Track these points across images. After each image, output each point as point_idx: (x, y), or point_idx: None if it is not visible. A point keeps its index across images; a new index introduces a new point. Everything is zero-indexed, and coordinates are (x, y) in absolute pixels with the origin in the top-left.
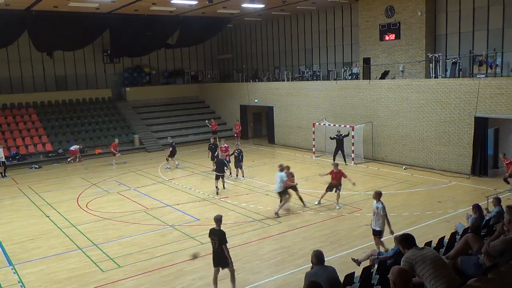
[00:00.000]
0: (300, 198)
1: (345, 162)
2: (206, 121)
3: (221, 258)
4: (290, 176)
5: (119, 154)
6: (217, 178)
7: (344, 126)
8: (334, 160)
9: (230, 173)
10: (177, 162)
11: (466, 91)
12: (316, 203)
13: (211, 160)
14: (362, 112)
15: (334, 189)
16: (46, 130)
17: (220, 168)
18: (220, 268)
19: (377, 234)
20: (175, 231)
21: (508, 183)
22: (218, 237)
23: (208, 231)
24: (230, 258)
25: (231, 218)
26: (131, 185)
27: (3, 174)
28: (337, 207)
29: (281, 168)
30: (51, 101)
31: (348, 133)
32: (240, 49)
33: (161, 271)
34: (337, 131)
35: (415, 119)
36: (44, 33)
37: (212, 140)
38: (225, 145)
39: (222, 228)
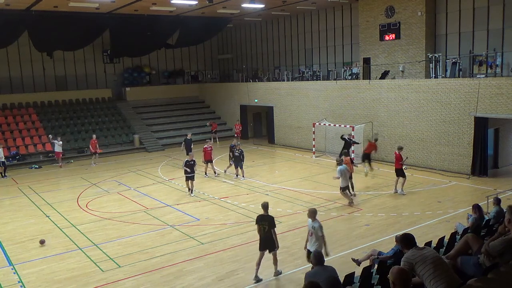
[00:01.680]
0: (352, 187)
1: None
2: (207, 124)
3: (269, 243)
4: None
5: (98, 152)
6: (187, 179)
7: (344, 126)
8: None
9: (215, 172)
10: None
11: (466, 91)
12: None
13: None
14: (362, 112)
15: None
16: (46, 130)
17: (191, 170)
18: (267, 251)
19: None
20: (175, 231)
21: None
22: (268, 222)
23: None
24: (277, 241)
25: (231, 218)
26: (131, 185)
27: (3, 174)
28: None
29: (339, 162)
30: (51, 101)
31: (358, 142)
32: (240, 49)
33: (161, 271)
34: (349, 134)
35: (415, 119)
36: (44, 33)
37: (234, 142)
38: (210, 145)
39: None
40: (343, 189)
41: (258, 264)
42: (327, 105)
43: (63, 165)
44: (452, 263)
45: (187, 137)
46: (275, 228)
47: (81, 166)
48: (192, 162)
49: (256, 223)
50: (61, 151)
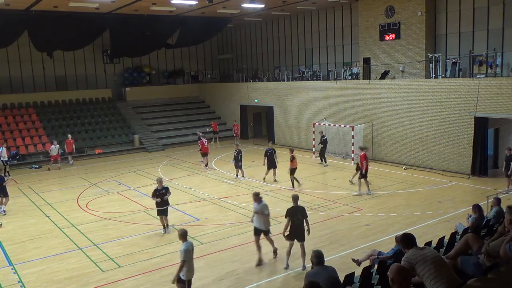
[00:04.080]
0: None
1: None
2: (211, 124)
3: (301, 232)
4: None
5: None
6: (159, 213)
7: (344, 126)
8: (326, 162)
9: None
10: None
11: (466, 91)
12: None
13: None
14: (362, 112)
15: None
16: (46, 130)
17: (163, 202)
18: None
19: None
20: (175, 231)
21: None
22: (301, 212)
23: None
24: (310, 228)
25: (231, 218)
26: (131, 185)
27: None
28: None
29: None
30: (51, 101)
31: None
32: (240, 49)
33: (161, 271)
34: (322, 133)
35: (415, 119)
36: (44, 33)
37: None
38: (203, 139)
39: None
40: (265, 233)
41: (289, 253)
42: (327, 105)
43: (51, 166)
44: (452, 263)
45: (201, 134)
46: (308, 218)
47: (81, 166)
48: (163, 191)
49: (288, 216)
50: (56, 153)
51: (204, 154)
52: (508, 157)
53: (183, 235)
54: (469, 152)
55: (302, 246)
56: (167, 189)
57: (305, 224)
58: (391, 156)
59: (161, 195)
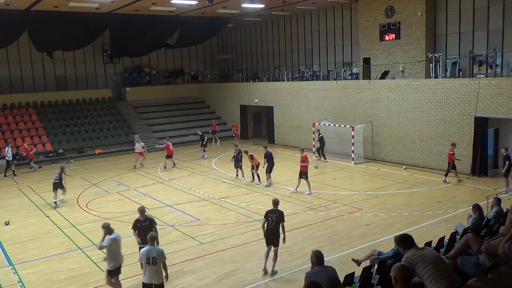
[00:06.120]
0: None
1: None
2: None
3: (274, 237)
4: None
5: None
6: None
7: (344, 126)
8: (326, 158)
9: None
10: (205, 155)
11: (466, 91)
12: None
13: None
14: (362, 112)
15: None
16: (46, 130)
17: (143, 238)
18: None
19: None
20: (175, 231)
21: None
22: (277, 214)
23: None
24: (285, 236)
25: (231, 218)
26: (131, 185)
27: (5, 174)
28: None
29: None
30: (51, 101)
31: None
32: (240, 49)
33: None
34: (318, 131)
35: (415, 119)
36: (44, 33)
37: (235, 148)
38: (168, 142)
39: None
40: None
41: (266, 256)
42: (327, 105)
43: (137, 164)
44: (452, 263)
45: (201, 134)
46: (284, 223)
47: (81, 166)
48: (145, 224)
49: (265, 217)
50: (140, 151)
51: (169, 156)
52: (504, 156)
53: (107, 228)
54: (469, 152)
55: (275, 251)
56: (151, 221)
57: (281, 230)
58: (391, 156)
59: (142, 229)
